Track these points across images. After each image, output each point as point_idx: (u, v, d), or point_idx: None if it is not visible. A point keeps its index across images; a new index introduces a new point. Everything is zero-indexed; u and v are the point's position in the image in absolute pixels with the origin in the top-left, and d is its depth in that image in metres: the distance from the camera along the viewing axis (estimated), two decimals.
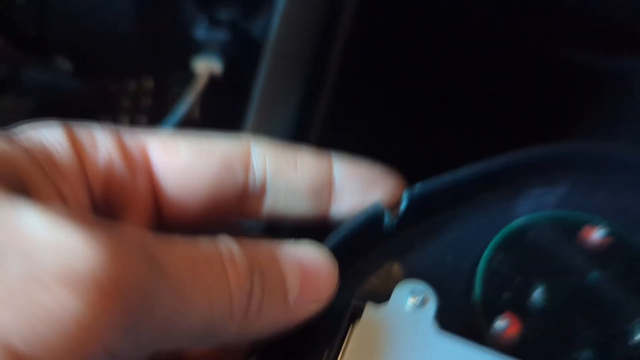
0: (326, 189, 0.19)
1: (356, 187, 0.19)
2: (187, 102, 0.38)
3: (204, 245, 0.14)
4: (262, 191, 0.19)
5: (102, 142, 0.17)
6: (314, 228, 0.19)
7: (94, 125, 0.17)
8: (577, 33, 0.62)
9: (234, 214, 0.19)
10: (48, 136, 0.16)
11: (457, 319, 0.18)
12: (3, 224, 0.11)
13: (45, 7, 0.42)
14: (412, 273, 0.19)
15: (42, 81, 0.45)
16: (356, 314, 0.17)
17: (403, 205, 0.19)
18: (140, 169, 0.17)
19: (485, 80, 0.62)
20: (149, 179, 0.18)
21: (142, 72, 0.42)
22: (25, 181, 0.14)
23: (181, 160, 0.18)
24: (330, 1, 0.35)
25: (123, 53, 0.43)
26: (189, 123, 0.38)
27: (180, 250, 0.13)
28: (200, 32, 0.40)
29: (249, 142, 0.19)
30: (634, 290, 0.20)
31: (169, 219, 0.18)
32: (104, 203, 0.17)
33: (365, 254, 0.19)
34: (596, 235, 0.21)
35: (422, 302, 0.17)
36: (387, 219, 0.19)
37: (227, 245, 0.14)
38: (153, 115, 0.40)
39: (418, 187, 0.20)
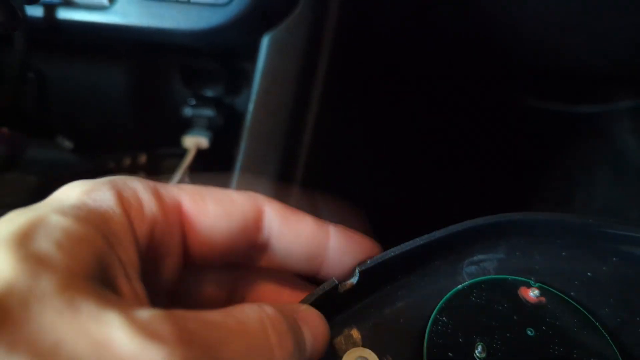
0: (319, 257, 0.22)
1: (346, 259, 0.23)
2: (178, 175, 0.41)
3: (249, 316, 0.17)
4: (266, 247, 0.22)
5: (146, 202, 0.19)
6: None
7: (137, 184, 0.19)
8: (543, 84, 0.66)
9: (242, 259, 0.23)
10: (102, 203, 0.18)
11: None
12: (99, 339, 0.13)
13: (47, 92, 0.46)
14: (369, 338, 0.22)
15: (45, 158, 0.48)
16: None
17: (355, 279, 0.22)
18: (176, 222, 0.20)
19: (461, 131, 0.65)
20: (182, 230, 0.21)
21: (136, 148, 0.45)
22: (104, 265, 0.16)
23: (208, 217, 0.21)
24: (301, 83, 0.39)
25: (119, 132, 0.47)
26: None
27: (231, 331, 0.16)
28: (188, 110, 0.44)
29: (263, 205, 0.22)
30: (566, 343, 0.22)
31: (194, 260, 0.22)
32: (147, 255, 0.19)
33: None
34: (531, 294, 0.23)
35: None
36: (342, 291, 0.22)
37: (267, 313, 0.17)
38: None
39: (369, 261, 0.22)
